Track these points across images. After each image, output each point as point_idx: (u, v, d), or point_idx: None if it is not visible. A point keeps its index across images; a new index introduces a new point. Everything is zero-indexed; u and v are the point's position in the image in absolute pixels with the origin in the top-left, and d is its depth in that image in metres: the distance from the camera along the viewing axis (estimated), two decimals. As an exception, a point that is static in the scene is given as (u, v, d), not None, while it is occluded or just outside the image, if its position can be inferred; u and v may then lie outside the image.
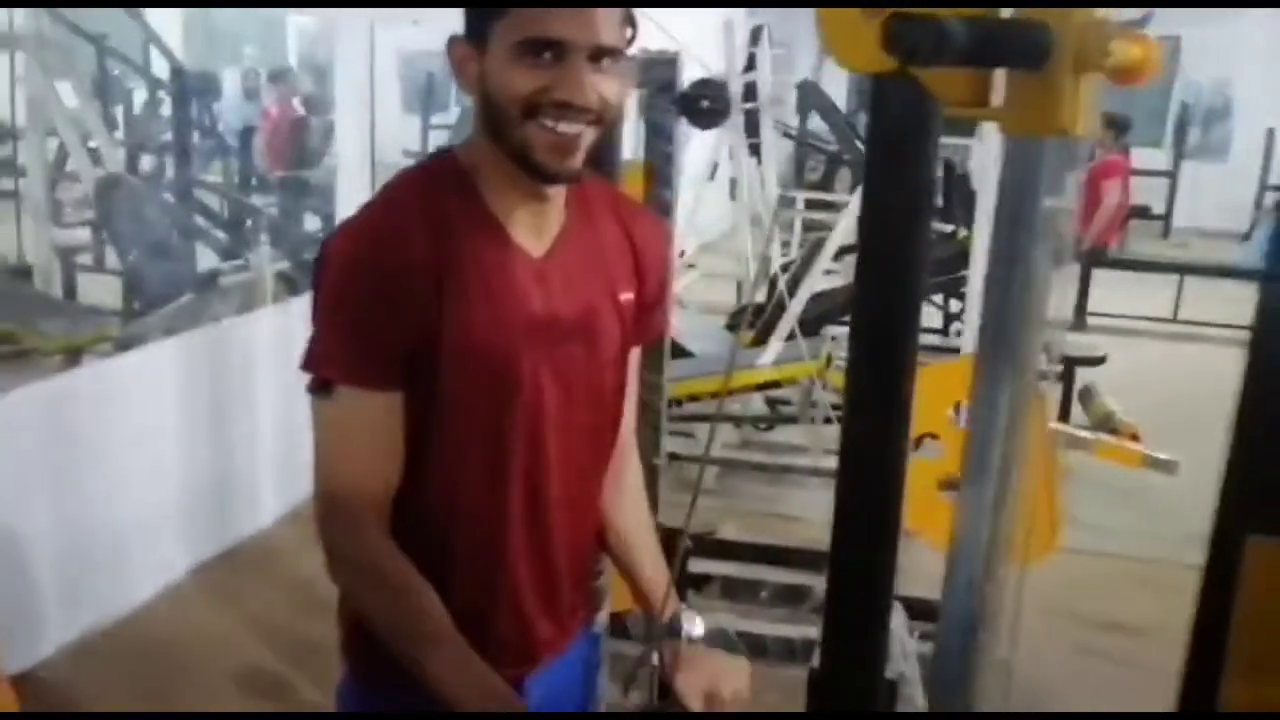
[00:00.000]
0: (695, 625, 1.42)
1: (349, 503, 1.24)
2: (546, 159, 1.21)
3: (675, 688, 1.34)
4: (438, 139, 6.88)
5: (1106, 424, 3.21)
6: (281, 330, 3.87)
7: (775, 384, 3.87)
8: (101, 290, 4.76)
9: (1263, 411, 0.79)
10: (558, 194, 1.28)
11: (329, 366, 1.22)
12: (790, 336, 3.71)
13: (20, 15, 4.03)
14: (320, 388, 1.23)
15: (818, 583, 3.30)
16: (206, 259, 4.92)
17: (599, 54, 1.18)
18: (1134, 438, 3.14)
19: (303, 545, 3.76)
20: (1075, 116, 0.85)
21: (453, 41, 1.24)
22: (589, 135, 1.21)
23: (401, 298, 1.20)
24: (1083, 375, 4.32)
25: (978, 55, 0.82)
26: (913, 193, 1.60)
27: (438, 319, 1.21)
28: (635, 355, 1.47)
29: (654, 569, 1.49)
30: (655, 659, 1.38)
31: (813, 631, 2.96)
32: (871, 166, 1.54)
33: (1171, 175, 11.25)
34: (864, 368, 1.72)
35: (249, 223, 5.79)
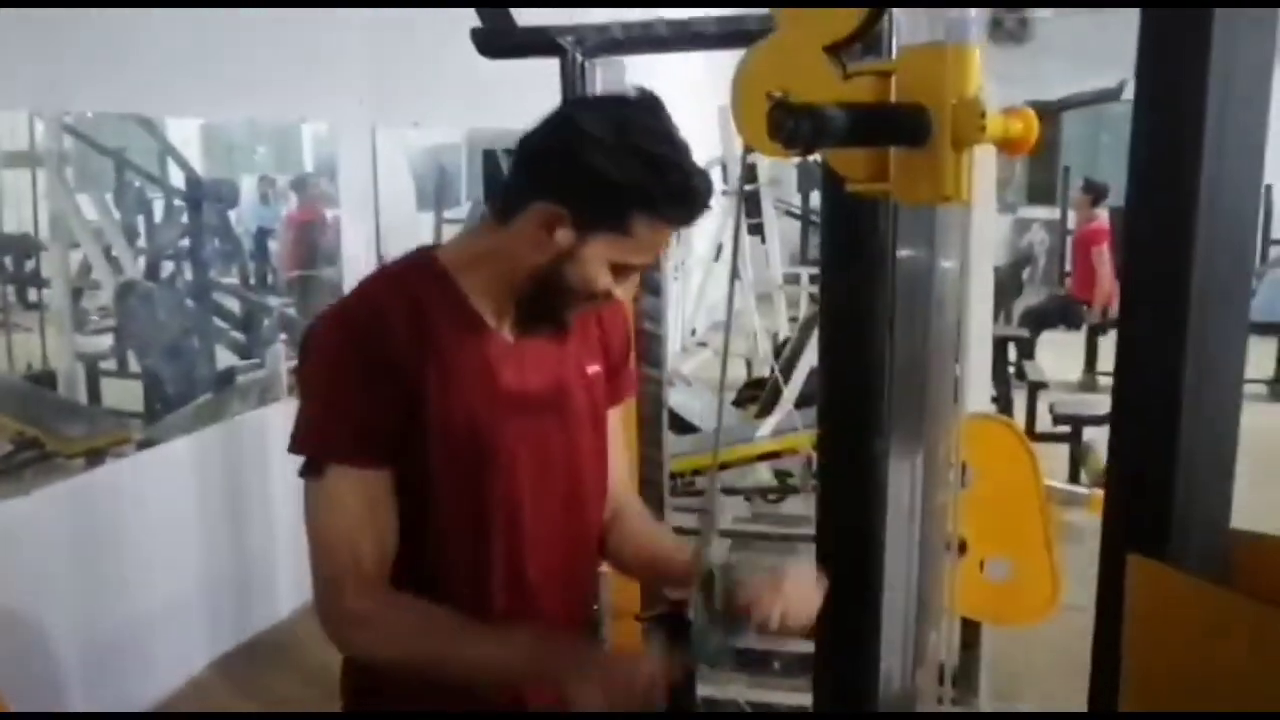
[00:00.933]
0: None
1: (349, 576, 1.30)
2: (569, 324, 1.41)
3: (753, 615, 1.30)
4: (451, 232, 7.05)
5: (1103, 480, 3.24)
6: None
7: (774, 455, 3.94)
8: (123, 394, 4.88)
9: (1136, 435, 0.86)
10: None
11: (320, 447, 1.31)
12: (803, 407, 3.77)
13: (41, 133, 4.21)
14: (312, 469, 1.31)
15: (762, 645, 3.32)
16: (224, 358, 5.04)
17: None
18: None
19: (321, 636, 3.81)
20: (959, 185, 0.94)
21: (544, 206, 1.31)
22: None
23: (386, 377, 1.29)
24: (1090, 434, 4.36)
25: (858, 137, 0.92)
26: (868, 265, 1.69)
27: (420, 398, 1.31)
28: (615, 416, 1.56)
29: (670, 544, 1.56)
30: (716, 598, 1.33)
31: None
32: (827, 242, 1.63)
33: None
34: (833, 439, 1.78)
35: (265, 322, 5.93)
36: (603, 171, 1.27)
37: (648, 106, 1.32)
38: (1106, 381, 7.24)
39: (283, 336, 5.09)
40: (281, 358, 4.63)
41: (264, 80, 3.80)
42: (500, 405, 1.36)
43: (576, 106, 1.43)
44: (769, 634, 1.31)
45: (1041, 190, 11.38)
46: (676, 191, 1.29)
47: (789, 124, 0.87)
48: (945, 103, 0.92)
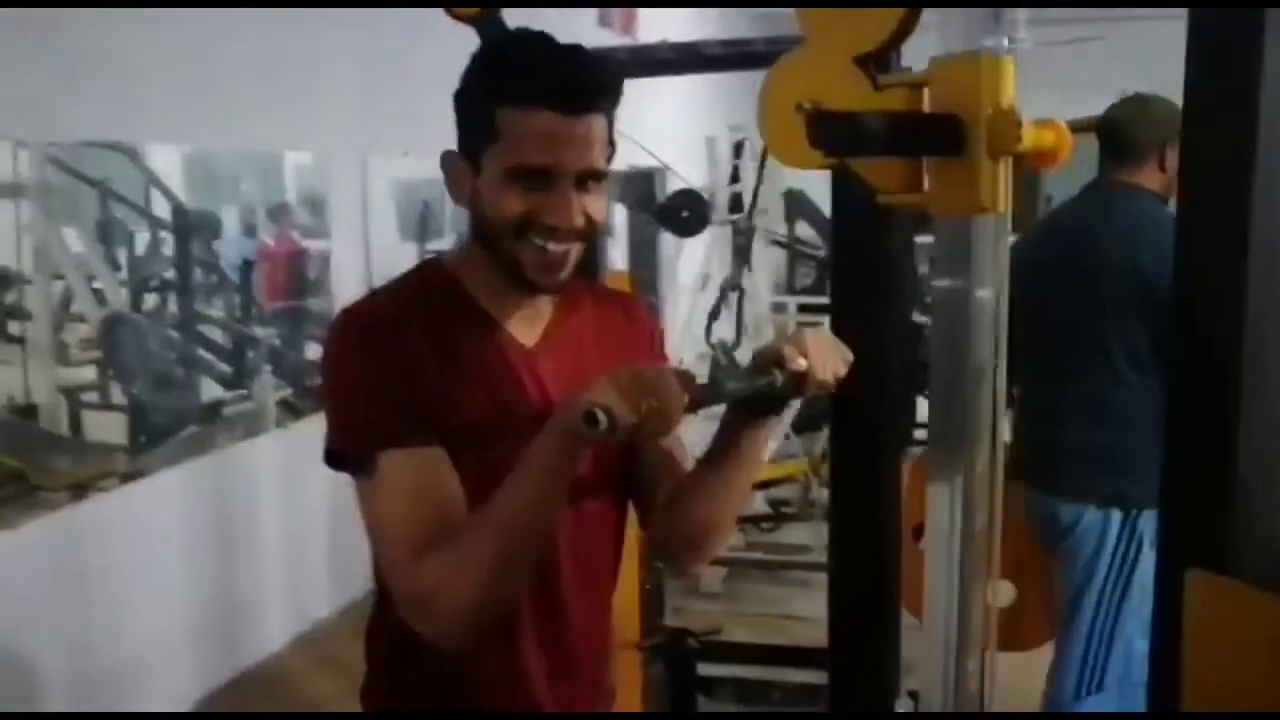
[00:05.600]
0: None
1: (411, 559, 1.21)
2: (536, 275, 1.29)
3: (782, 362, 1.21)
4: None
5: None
6: (285, 454, 3.93)
7: (772, 483, 3.90)
8: (107, 426, 4.82)
9: (1192, 448, 0.84)
10: None
11: (365, 439, 1.24)
12: (792, 436, 3.76)
13: (25, 164, 4.18)
14: (359, 463, 1.24)
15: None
16: (209, 390, 5.00)
17: (584, 177, 1.26)
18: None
19: (314, 669, 3.75)
20: (995, 196, 0.92)
21: (448, 156, 1.32)
22: (575, 251, 1.30)
23: (409, 371, 1.26)
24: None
25: (896, 145, 0.90)
26: (881, 286, 1.68)
27: (436, 406, 1.26)
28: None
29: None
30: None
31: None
32: (839, 262, 1.62)
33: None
34: (846, 463, 1.77)
35: (250, 354, 5.90)
36: (461, 90, 1.29)
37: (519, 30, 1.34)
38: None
39: (268, 368, 5.06)
40: (270, 389, 4.59)
41: (248, 109, 3.78)
42: (520, 416, 1.32)
43: None
44: (796, 386, 1.21)
45: (1022, 220, 11.43)
46: (524, 67, 1.24)
47: (828, 131, 0.85)
48: (981, 113, 0.91)
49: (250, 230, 6.60)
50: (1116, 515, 2.50)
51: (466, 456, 1.28)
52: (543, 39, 1.27)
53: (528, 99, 1.22)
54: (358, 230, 4.59)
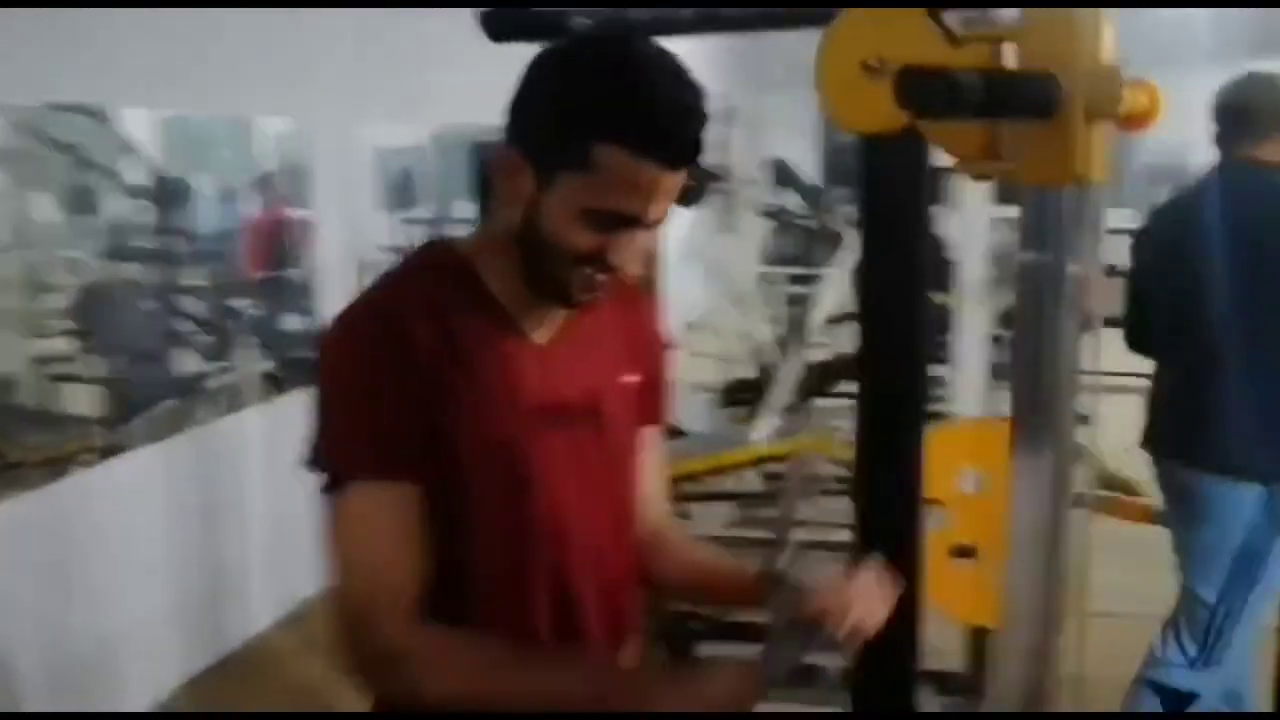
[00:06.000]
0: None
1: (382, 606, 1.16)
2: (580, 297, 1.22)
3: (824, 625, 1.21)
4: (412, 235, 6.91)
5: (1106, 480, 3.19)
6: (268, 429, 3.83)
7: (772, 459, 3.83)
8: (83, 399, 4.70)
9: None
10: None
11: (344, 460, 1.17)
12: (789, 410, 3.68)
13: (-4, 130, 4.04)
14: (335, 485, 1.17)
15: (832, 662, 3.23)
16: (189, 363, 4.88)
17: (655, 221, 1.18)
18: (1132, 491, 3.11)
19: (300, 650, 3.67)
20: (1091, 163, 0.84)
21: (506, 151, 1.19)
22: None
23: (412, 382, 1.17)
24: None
25: (991, 107, 0.81)
26: (910, 255, 1.60)
27: (448, 410, 1.18)
28: (649, 437, 1.43)
29: (727, 559, 1.44)
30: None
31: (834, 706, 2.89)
32: (869, 232, 1.54)
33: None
34: (872, 437, 1.70)
35: (230, 325, 5.78)
36: (552, 98, 1.15)
37: (622, 37, 1.19)
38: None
39: (249, 339, 4.94)
40: (253, 361, 4.48)
41: (227, 73, 3.65)
42: (535, 417, 1.24)
43: (547, 48, 1.23)
44: (836, 646, 1.22)
45: (1008, 189, 11.39)
46: (641, 112, 1.12)
47: (921, 91, 0.76)
48: (1079, 71, 0.82)
49: (228, 198, 6.48)
50: (1262, 490, 2.53)
51: (479, 463, 1.21)
52: (675, 76, 1.15)
53: (640, 149, 1.13)
54: (341, 199, 4.46)
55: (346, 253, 4.55)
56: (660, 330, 1.47)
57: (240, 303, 5.80)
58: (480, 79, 5.23)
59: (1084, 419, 4.51)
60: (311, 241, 4.99)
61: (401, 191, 8.19)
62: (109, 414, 4.45)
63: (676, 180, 1.18)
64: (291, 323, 5.67)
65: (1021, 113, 0.83)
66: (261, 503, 3.81)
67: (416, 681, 1.16)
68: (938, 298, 5.75)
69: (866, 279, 1.56)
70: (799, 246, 9.94)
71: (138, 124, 3.94)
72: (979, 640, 2.88)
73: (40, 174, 4.22)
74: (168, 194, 4.97)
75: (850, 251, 4.24)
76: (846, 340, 6.48)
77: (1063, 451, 0.90)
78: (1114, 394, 6.83)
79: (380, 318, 1.21)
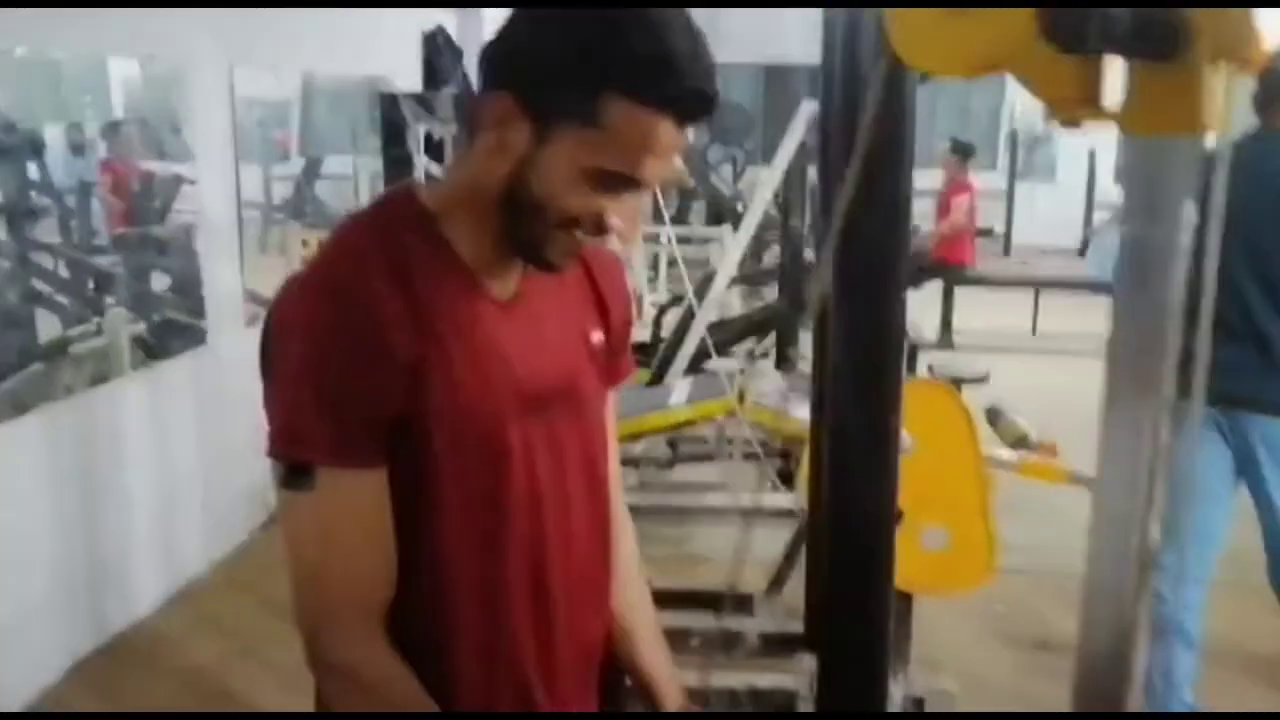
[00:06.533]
0: None
1: (346, 610, 1.09)
2: (558, 260, 1.12)
3: None
4: (281, 191, 6.58)
5: (1023, 443, 3.23)
6: (144, 400, 3.59)
7: (689, 423, 3.76)
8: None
9: None
10: None
11: (304, 447, 1.05)
12: (700, 373, 3.62)
13: None
14: (294, 476, 1.06)
15: (748, 626, 3.21)
16: (51, 325, 4.56)
17: (658, 182, 1.09)
18: (1053, 454, 3.16)
19: (189, 631, 3.46)
20: (1216, 112, 0.77)
21: (496, 100, 1.06)
22: None
23: (378, 356, 1.05)
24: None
25: (1133, 44, 0.73)
26: (890, 208, 1.53)
27: (417, 380, 1.07)
28: (612, 402, 1.35)
29: (652, 656, 1.41)
30: None
31: (754, 680, 2.86)
32: (853, 200, 1.46)
33: (1008, 196, 11.72)
34: (848, 396, 1.64)
35: (91, 284, 5.41)
36: (559, 42, 1.03)
37: None
38: (962, 340, 7.45)
39: (110, 300, 4.64)
40: (121, 324, 4.18)
41: (73, 11, 3.34)
42: (506, 384, 1.14)
43: None
44: None
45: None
46: (660, 63, 1.00)
47: (1074, 22, 0.68)
48: (1210, 10, 0.75)
49: (78, 149, 6.06)
50: None
51: (453, 441, 1.10)
52: (686, 26, 1.03)
53: (655, 101, 1.02)
54: (225, 151, 4.19)
55: (231, 207, 4.27)
56: (624, 282, 1.35)
57: (103, 261, 5.45)
58: (348, 25, 4.98)
59: (983, 379, 4.57)
60: (178, 196, 4.69)
61: (272, 144, 7.81)
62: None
63: (684, 139, 1.08)
64: (158, 282, 5.36)
65: (1144, 53, 0.75)
66: (142, 477, 3.56)
67: (340, 697, 1.13)
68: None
69: (846, 227, 1.47)
70: (675, 207, 9.98)
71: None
72: (896, 604, 2.89)
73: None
74: (15, 143, 4.60)
75: (748, 215, 4.20)
76: (739, 302, 6.51)
77: (1159, 411, 0.83)
78: (989, 353, 7.02)
79: (339, 286, 1.07)
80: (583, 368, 1.24)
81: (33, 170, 5.00)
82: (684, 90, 1.03)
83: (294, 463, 1.06)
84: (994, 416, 3.33)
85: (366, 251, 1.10)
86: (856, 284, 1.55)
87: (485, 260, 1.14)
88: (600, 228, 1.09)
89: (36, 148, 5.21)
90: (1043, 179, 12.75)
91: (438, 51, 6.11)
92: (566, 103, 1.03)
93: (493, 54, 1.09)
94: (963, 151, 7.84)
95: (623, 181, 1.06)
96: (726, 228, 6.34)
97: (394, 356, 1.06)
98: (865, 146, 0.97)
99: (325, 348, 1.05)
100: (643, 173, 1.05)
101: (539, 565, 1.19)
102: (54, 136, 5.65)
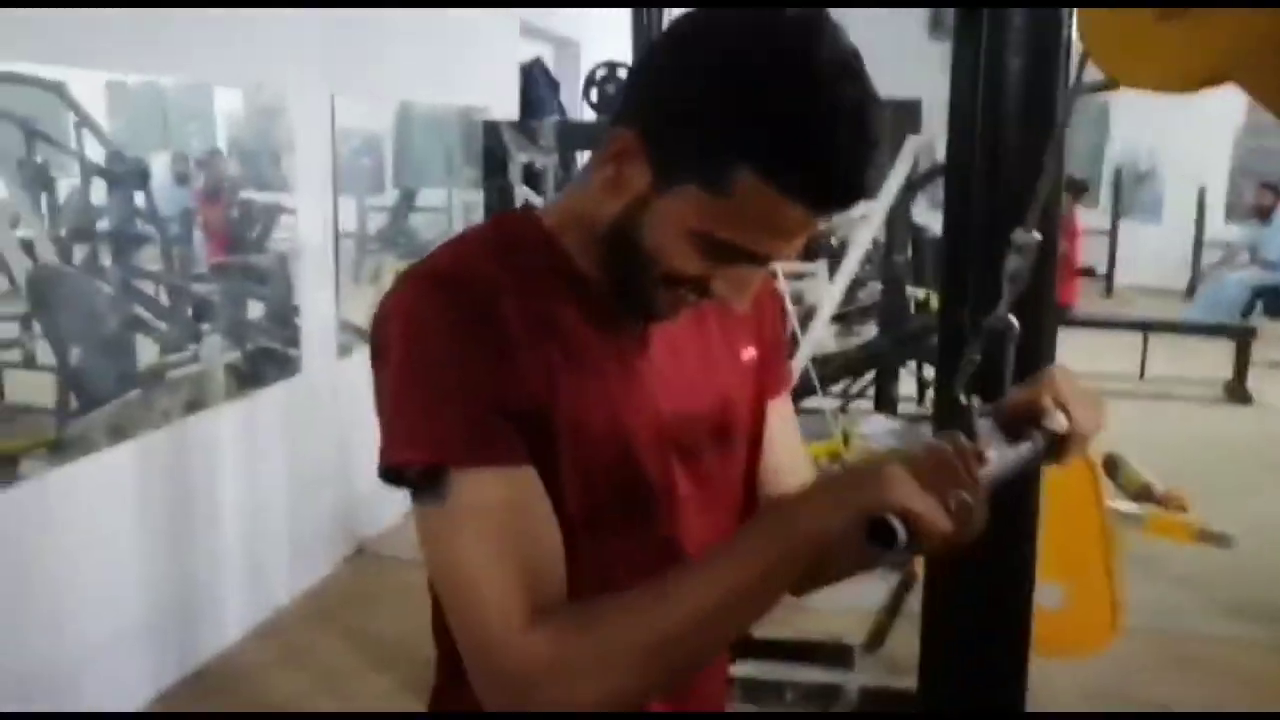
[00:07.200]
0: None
1: (516, 628, 0.90)
2: (665, 314, 1.01)
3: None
4: (376, 221, 6.63)
5: (1147, 495, 3.03)
6: (237, 429, 3.59)
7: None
8: (34, 389, 4.41)
9: None
10: None
11: (435, 448, 0.91)
12: (799, 412, 3.47)
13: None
14: (428, 487, 0.91)
15: (848, 680, 3.06)
16: (149, 351, 4.61)
17: (780, 261, 0.99)
18: (1183, 507, 2.96)
19: (273, 663, 3.42)
20: None
21: (622, 137, 0.95)
22: None
23: (502, 354, 0.93)
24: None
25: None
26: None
27: (543, 402, 0.94)
28: (780, 412, 1.19)
29: None
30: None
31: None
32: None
33: (1111, 235, 11.38)
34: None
35: (190, 312, 5.49)
36: (700, 94, 0.90)
37: (796, 20, 0.90)
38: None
39: (207, 326, 4.68)
40: (217, 351, 4.20)
41: (187, 38, 3.37)
42: (648, 413, 1.02)
43: (696, 12, 0.95)
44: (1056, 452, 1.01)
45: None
46: (813, 150, 0.87)
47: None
48: None
49: (182, 179, 6.18)
50: None
51: (585, 476, 0.98)
52: (859, 102, 0.89)
53: (795, 189, 0.89)
54: (312, 181, 4.21)
55: (329, 235, 4.29)
56: (770, 284, 1.21)
57: (202, 288, 5.52)
58: (446, 55, 4.99)
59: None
60: (276, 225, 4.72)
61: (367, 174, 7.90)
62: (60, 404, 4.18)
63: (817, 225, 0.96)
64: (256, 311, 5.41)
65: None
66: (232, 507, 3.55)
67: (573, 693, 0.89)
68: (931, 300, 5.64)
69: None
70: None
71: (88, 88, 3.64)
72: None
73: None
74: (125, 172, 4.68)
75: (852, 250, 4.07)
76: (833, 340, 6.35)
77: None
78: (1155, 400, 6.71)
79: (463, 273, 0.97)
80: (735, 392, 1.12)
81: (139, 198, 5.11)
82: (833, 184, 0.90)
83: (422, 472, 0.92)
84: (1113, 465, 3.13)
85: (479, 252, 1.01)
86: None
87: (605, 285, 1.03)
88: (706, 293, 0.98)
89: (143, 176, 5.33)
90: (1148, 217, 12.34)
91: (535, 82, 6.12)
92: (694, 160, 0.91)
93: (630, 82, 1.00)
94: (1076, 189, 7.59)
95: (738, 254, 0.94)
96: (821, 263, 6.19)
97: (523, 361, 0.94)
98: (1054, 170, 0.85)
99: (445, 336, 0.93)
100: (761, 250, 0.94)
101: None
102: (160, 165, 5.78)
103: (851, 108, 0.88)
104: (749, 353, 1.15)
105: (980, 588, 1.56)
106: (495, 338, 0.93)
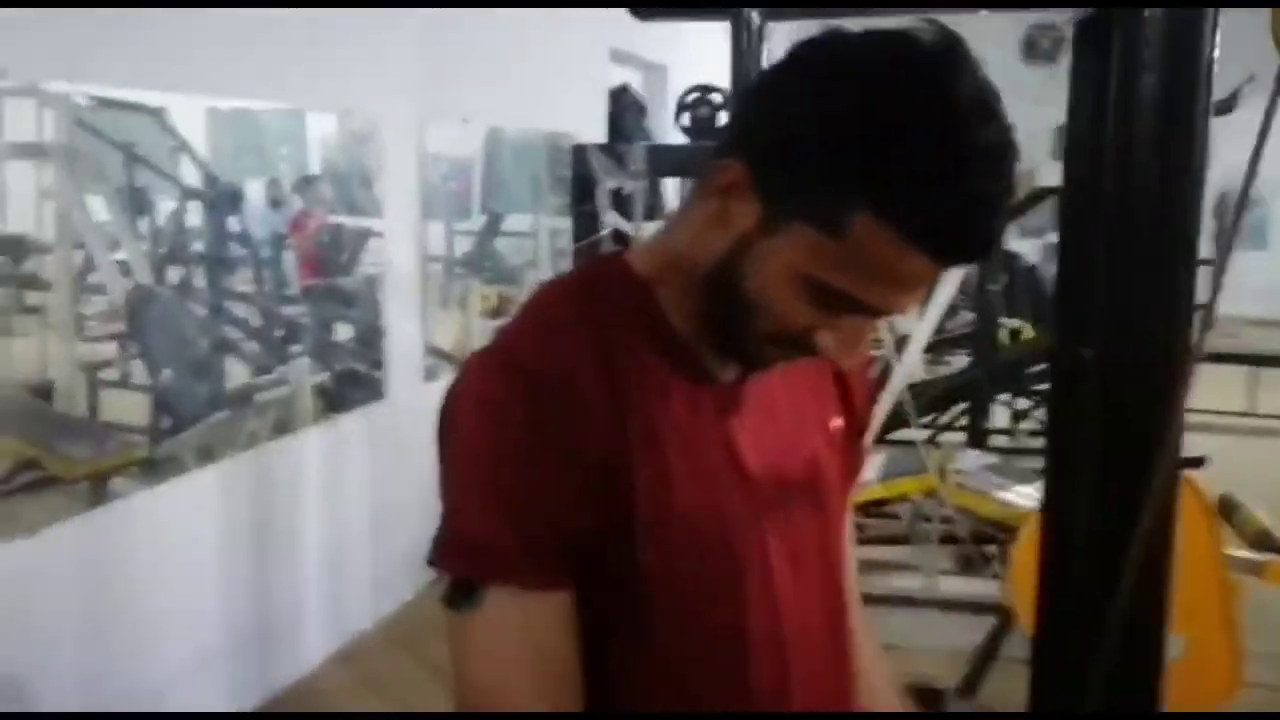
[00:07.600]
0: None
1: None
2: (759, 364, 0.95)
3: None
4: (462, 246, 6.66)
5: (1265, 540, 2.85)
6: (322, 453, 3.59)
7: (881, 502, 3.48)
8: (128, 407, 4.49)
9: None
10: None
11: (475, 560, 0.87)
12: (889, 444, 3.37)
13: (50, 125, 3.83)
14: (461, 594, 0.88)
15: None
16: (238, 372, 4.67)
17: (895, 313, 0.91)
18: (1306, 553, 2.78)
19: (354, 687, 3.41)
20: None
21: (727, 169, 0.88)
22: None
23: (575, 449, 0.87)
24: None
25: None
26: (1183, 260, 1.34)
27: (624, 478, 0.88)
28: (850, 511, 1.16)
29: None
30: None
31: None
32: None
33: (1220, 264, 10.98)
34: (1118, 483, 1.43)
35: (280, 334, 5.56)
36: (819, 131, 0.82)
37: (934, 52, 0.82)
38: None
39: (297, 348, 4.72)
40: (306, 373, 4.23)
41: (276, 68, 3.40)
42: (738, 481, 0.95)
43: (821, 37, 0.88)
44: None
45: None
46: (940, 200, 0.80)
47: None
48: None
49: (277, 203, 6.28)
50: None
51: (672, 549, 0.91)
52: (992, 148, 0.81)
53: (917, 238, 0.81)
54: (401, 206, 4.22)
55: (416, 259, 4.30)
56: (866, 357, 1.16)
57: (291, 310, 5.59)
58: (534, 80, 4.98)
59: (1199, 461, 4.19)
60: (365, 249, 4.75)
61: (454, 199, 7.95)
62: (153, 424, 4.24)
63: (938, 275, 0.87)
64: (344, 333, 5.46)
65: None
66: (314, 531, 3.55)
67: None
68: (1023, 330, 5.48)
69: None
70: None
71: (186, 114, 3.70)
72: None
73: (96, 172, 4.03)
74: (220, 196, 4.76)
75: (948, 276, 3.96)
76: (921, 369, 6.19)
77: None
78: (1199, 433, 6.44)
79: (529, 364, 0.90)
80: (824, 460, 1.05)
81: (232, 222, 5.20)
82: (961, 235, 0.82)
83: (459, 577, 0.89)
84: (1229, 509, 2.95)
85: (566, 324, 0.94)
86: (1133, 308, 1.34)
87: (701, 335, 0.96)
88: (811, 350, 0.90)
89: (237, 200, 5.43)
90: (1252, 245, 11.91)
91: (624, 108, 6.09)
92: (809, 198, 0.83)
93: (739, 108, 0.93)
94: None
95: (849, 304, 0.86)
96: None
97: (591, 444, 0.88)
98: (1249, 182, 0.77)
99: (506, 436, 0.88)
100: (874, 301, 0.86)
101: (785, 687, 0.98)
102: (254, 189, 5.89)
103: (989, 153, 0.81)
104: (836, 421, 1.08)
105: (1105, 643, 1.45)
106: (565, 436, 0.87)
